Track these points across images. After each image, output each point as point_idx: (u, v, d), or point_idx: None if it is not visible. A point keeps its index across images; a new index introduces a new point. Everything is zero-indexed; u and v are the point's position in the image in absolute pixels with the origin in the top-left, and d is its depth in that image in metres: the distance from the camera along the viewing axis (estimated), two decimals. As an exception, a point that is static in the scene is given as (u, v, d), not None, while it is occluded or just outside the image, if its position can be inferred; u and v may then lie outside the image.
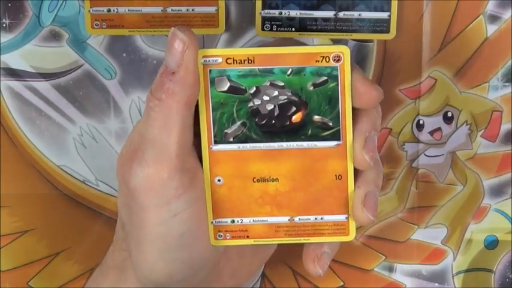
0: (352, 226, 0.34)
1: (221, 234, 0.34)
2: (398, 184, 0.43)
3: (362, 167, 0.33)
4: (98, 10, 0.39)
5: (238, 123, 0.32)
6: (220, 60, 0.31)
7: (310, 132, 0.32)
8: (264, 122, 0.32)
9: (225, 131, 0.32)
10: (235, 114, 0.32)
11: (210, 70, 0.31)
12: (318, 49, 0.31)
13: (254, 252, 0.37)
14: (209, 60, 0.31)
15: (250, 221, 0.33)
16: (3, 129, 0.42)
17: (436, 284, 0.44)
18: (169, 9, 0.39)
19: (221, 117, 0.32)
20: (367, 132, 0.32)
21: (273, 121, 0.32)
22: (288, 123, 0.32)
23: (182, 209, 0.32)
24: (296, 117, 0.32)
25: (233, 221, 0.33)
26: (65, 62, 0.41)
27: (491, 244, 0.44)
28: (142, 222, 0.32)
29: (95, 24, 0.40)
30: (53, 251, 0.43)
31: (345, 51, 0.31)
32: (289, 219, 0.33)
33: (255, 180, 0.33)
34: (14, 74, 0.41)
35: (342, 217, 0.33)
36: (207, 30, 0.40)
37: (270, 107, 0.32)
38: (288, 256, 0.43)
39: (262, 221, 0.33)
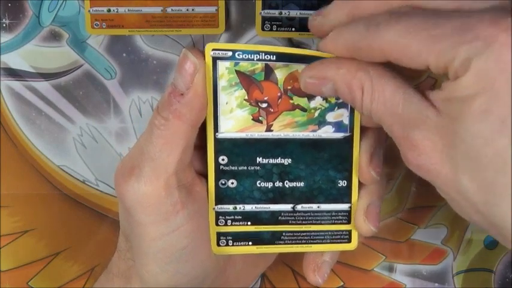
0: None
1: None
2: (398, 184, 0.43)
3: (368, 182, 0.33)
4: (98, 10, 0.39)
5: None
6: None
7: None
8: None
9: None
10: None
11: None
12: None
13: (259, 255, 0.37)
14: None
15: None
16: (3, 129, 0.42)
17: (436, 284, 0.44)
18: (169, 9, 0.39)
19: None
20: (372, 148, 0.33)
21: None
22: None
23: (181, 224, 0.32)
24: None
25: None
26: (65, 62, 0.41)
27: (491, 244, 0.44)
28: (141, 237, 0.32)
29: (95, 24, 0.40)
30: (53, 251, 0.43)
31: None
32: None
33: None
34: (14, 74, 0.41)
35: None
36: (207, 30, 0.40)
37: None
38: (288, 256, 0.43)
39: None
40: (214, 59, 0.31)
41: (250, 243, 0.34)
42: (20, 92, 0.41)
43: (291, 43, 0.41)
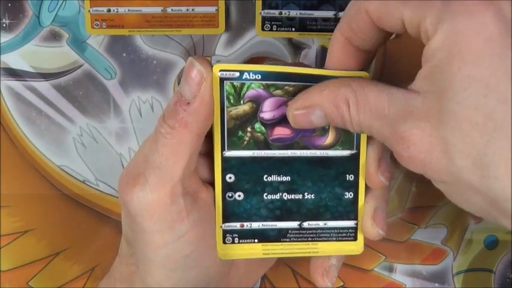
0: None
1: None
2: (398, 184, 0.43)
3: (377, 187, 0.33)
4: (98, 10, 0.39)
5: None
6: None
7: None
8: None
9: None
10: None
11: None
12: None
13: (261, 258, 0.37)
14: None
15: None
16: (3, 129, 0.42)
17: (436, 284, 0.44)
18: (169, 9, 0.39)
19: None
20: (380, 153, 0.33)
21: None
22: None
23: (186, 232, 0.32)
24: None
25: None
26: (65, 62, 0.41)
27: (491, 244, 0.44)
28: (145, 244, 0.32)
29: (95, 24, 0.40)
30: (53, 251, 0.43)
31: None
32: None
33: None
34: (14, 74, 0.41)
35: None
36: (207, 30, 0.40)
37: None
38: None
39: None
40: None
41: (256, 240, 0.34)
42: (20, 92, 0.41)
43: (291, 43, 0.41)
